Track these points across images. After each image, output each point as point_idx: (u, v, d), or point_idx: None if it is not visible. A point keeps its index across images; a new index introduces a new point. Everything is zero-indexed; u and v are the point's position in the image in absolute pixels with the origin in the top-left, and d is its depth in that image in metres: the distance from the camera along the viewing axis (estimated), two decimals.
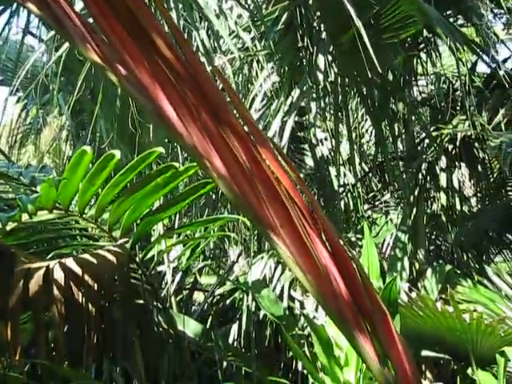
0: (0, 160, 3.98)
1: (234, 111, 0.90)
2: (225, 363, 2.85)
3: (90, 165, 1.98)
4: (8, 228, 1.90)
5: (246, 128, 0.90)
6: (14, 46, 4.31)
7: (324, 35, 2.86)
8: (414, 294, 2.52)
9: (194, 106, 0.90)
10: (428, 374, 3.57)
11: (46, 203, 1.96)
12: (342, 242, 0.93)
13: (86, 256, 2.05)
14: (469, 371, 2.71)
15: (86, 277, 1.98)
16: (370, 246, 2.60)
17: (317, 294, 0.94)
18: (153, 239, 2.71)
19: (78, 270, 1.96)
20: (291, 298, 2.97)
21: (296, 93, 2.84)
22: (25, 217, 1.97)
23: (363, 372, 2.53)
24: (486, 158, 4.64)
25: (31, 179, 3.30)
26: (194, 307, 3.73)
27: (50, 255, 2.33)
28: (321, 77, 2.78)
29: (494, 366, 2.52)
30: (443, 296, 2.98)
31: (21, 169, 3.55)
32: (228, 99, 0.93)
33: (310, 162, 4.21)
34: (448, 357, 2.94)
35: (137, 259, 2.47)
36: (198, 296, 4.08)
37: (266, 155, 0.89)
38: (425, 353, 2.87)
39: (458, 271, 4.13)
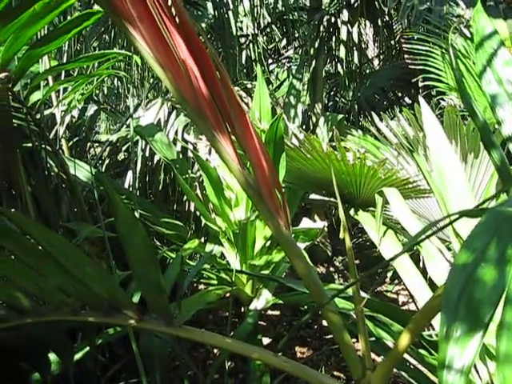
0: None
1: None
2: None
3: None
4: None
5: None
6: None
7: None
8: (302, 136, 2.57)
9: None
10: (316, 217, 3.79)
11: None
12: (202, 40, 0.91)
13: None
14: (351, 212, 2.86)
15: None
16: (262, 90, 2.60)
17: (176, 91, 0.93)
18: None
19: None
20: (185, 141, 2.97)
21: None
22: None
23: (253, 212, 2.63)
24: (389, 17, 4.66)
25: None
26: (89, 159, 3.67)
27: None
28: None
29: (374, 209, 2.68)
30: (333, 143, 3.07)
31: None
32: None
33: (210, 9, 4.06)
34: (334, 200, 3.09)
35: (21, 98, 2.35)
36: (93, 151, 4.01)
37: None
38: (313, 196, 3.00)
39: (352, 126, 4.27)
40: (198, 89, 0.92)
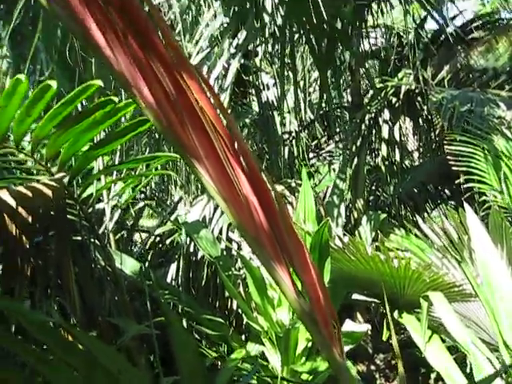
0: None
1: (161, 37, 0.90)
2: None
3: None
4: None
5: (171, 56, 0.90)
6: None
7: None
8: (346, 239, 2.60)
9: (122, 31, 0.89)
10: (359, 317, 3.73)
11: None
12: (263, 175, 0.96)
13: (21, 188, 2.02)
14: (395, 315, 2.83)
15: (21, 209, 1.96)
16: (307, 191, 2.65)
17: (238, 223, 0.97)
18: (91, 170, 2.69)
19: (12, 202, 1.94)
20: (229, 240, 3.02)
21: (242, 35, 2.82)
22: None
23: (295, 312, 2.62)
24: (429, 114, 4.74)
25: None
26: (134, 249, 3.75)
27: None
28: (267, 19, 2.76)
29: (419, 310, 2.65)
30: (376, 244, 3.08)
31: None
32: (154, 24, 0.93)
33: (255, 107, 4.21)
34: (377, 301, 3.06)
35: (75, 195, 2.45)
36: (139, 238, 4.10)
37: (190, 82, 0.89)
38: (356, 296, 2.98)
39: (395, 222, 4.28)
40: (259, 222, 0.96)
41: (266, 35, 2.90)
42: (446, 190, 5.11)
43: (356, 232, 3.58)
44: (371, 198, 4.97)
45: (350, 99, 4.67)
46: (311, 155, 5.03)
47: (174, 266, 3.18)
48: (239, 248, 2.88)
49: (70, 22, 0.93)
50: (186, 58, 0.92)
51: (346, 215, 3.86)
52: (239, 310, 2.96)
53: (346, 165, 3.77)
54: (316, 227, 2.68)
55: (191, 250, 3.10)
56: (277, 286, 1.00)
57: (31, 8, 2.95)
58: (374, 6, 4.09)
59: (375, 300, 3.05)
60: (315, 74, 4.90)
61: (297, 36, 3.60)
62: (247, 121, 4.27)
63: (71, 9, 0.91)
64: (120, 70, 0.92)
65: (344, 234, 2.77)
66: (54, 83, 1.80)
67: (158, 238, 3.55)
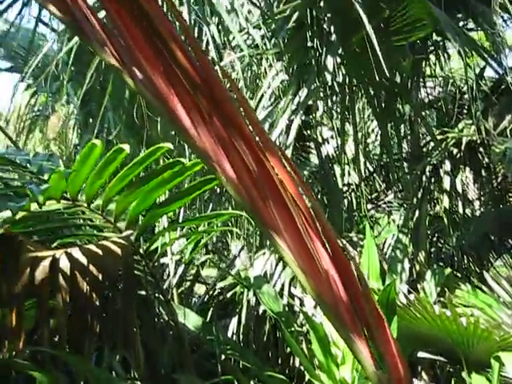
0: (9, 146, 4.03)
1: (242, 114, 0.93)
2: (223, 357, 2.89)
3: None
4: (17, 216, 1.93)
5: (253, 132, 0.93)
6: (25, 33, 4.35)
7: (334, 37, 2.88)
8: (412, 297, 2.55)
9: (207, 111, 0.93)
10: (424, 376, 3.61)
11: (54, 193, 2.00)
12: (342, 247, 0.96)
13: (92, 246, 2.09)
14: (463, 374, 2.74)
15: (91, 267, 2.01)
16: (370, 247, 2.63)
17: (317, 296, 0.97)
18: (157, 231, 2.75)
19: (84, 260, 2.00)
20: (291, 295, 3.01)
21: (304, 92, 2.87)
22: (33, 206, 2.01)
23: (359, 371, 2.57)
24: (491, 163, 4.66)
25: (39, 167, 3.34)
26: (194, 299, 3.78)
27: (55, 244, 2.37)
28: (329, 77, 2.81)
29: (489, 370, 2.56)
30: (441, 299, 3.01)
31: (28, 156, 3.59)
32: (237, 102, 0.96)
33: (314, 159, 4.24)
34: (444, 359, 2.97)
35: (140, 251, 2.50)
36: (199, 288, 4.14)
37: (271, 159, 0.92)
38: (421, 354, 2.91)
39: (458, 274, 4.17)
40: (338, 294, 0.96)
41: (327, 91, 2.94)
42: (510, 240, 4.97)
43: (419, 286, 3.51)
44: (433, 249, 4.87)
45: (408, 149, 4.65)
46: (370, 206, 4.99)
47: (234, 320, 3.18)
48: (301, 304, 2.87)
49: (155, 101, 0.98)
50: (267, 136, 0.95)
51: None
52: (301, 367, 2.92)
53: (407, 218, 3.73)
54: (380, 283, 2.64)
55: (253, 304, 3.10)
56: (355, 357, 1.00)
57: (100, 68, 3.09)
58: (432, 57, 4.11)
59: (441, 358, 2.96)
60: (373, 124, 4.91)
61: (355, 89, 3.64)
62: (306, 173, 4.30)
63: (157, 89, 0.96)
64: (203, 147, 0.95)
65: (409, 291, 2.73)
66: (126, 147, 1.88)
67: (218, 290, 3.57)
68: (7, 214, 1.86)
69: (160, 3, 0.97)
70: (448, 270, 3.33)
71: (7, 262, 1.92)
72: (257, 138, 0.93)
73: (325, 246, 0.95)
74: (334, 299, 0.96)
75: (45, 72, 3.03)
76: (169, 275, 2.89)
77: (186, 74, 0.92)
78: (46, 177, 3.14)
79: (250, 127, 0.93)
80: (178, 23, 1.38)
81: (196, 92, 0.93)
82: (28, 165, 3.27)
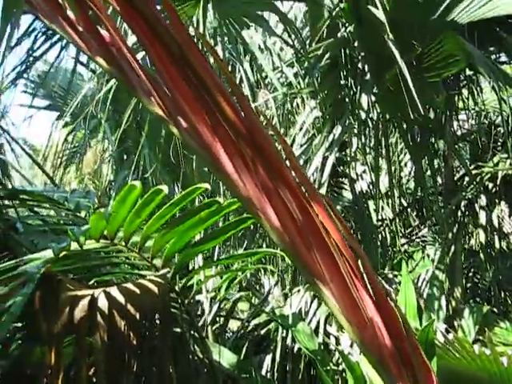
0: (46, 183, 4.12)
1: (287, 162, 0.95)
2: None
3: None
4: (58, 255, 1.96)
5: (297, 180, 0.94)
6: (63, 73, 4.49)
7: (368, 75, 2.90)
8: (450, 336, 2.50)
9: (250, 159, 0.94)
10: None
11: (94, 233, 2.03)
12: (387, 295, 0.96)
13: (130, 285, 2.10)
14: None
15: (129, 305, 2.03)
16: (407, 284, 2.60)
17: (362, 343, 0.96)
18: (192, 269, 2.76)
19: (122, 299, 2.02)
20: (327, 333, 2.97)
21: (338, 129, 2.89)
22: (73, 245, 2.05)
23: None
24: None
25: (76, 204, 3.40)
26: (228, 335, 3.76)
27: (92, 281, 2.40)
28: (363, 115, 2.83)
29: None
30: (480, 338, 2.95)
31: (66, 193, 3.67)
32: (280, 146, 0.98)
33: (347, 194, 4.23)
34: None
35: (176, 288, 2.51)
36: (234, 323, 4.12)
37: (316, 207, 0.92)
38: None
39: (495, 310, 4.08)
40: (383, 342, 0.95)
41: (361, 127, 2.95)
42: None
43: (455, 322, 3.44)
44: (469, 285, 4.78)
45: (442, 183, 4.60)
46: (403, 240, 4.94)
47: (269, 357, 3.15)
48: (337, 342, 2.83)
49: (199, 150, 1.00)
50: (311, 184, 0.96)
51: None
52: None
53: (443, 254, 3.68)
54: (417, 322, 2.60)
55: (287, 341, 3.07)
56: None
57: (137, 107, 3.15)
58: (464, 90, 4.09)
59: None
60: (406, 157, 4.89)
61: (389, 124, 3.65)
62: (339, 208, 4.29)
63: (201, 138, 0.98)
64: (247, 194, 0.96)
65: (447, 330, 2.67)
66: (165, 188, 1.91)
67: (252, 326, 3.55)
68: (49, 253, 1.89)
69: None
70: (486, 308, 3.26)
71: (47, 300, 1.95)
72: (301, 185, 0.94)
73: (369, 293, 0.95)
74: (378, 346, 0.96)
75: (83, 112, 3.11)
76: (203, 312, 2.89)
77: (230, 123, 0.94)
78: (82, 214, 3.21)
79: (294, 174, 0.94)
80: (216, 65, 1.41)
81: (239, 140, 0.95)
82: (65, 202, 3.34)
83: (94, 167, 6.95)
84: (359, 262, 0.94)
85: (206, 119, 0.96)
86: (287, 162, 0.94)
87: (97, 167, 6.53)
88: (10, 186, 3.09)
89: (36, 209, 3.18)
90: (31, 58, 3.08)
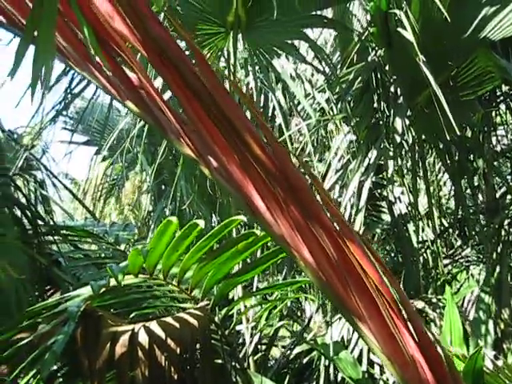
0: (87, 218, 4.20)
1: (320, 202, 0.93)
2: None
3: None
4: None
5: (331, 218, 0.92)
6: (100, 108, 4.59)
7: (401, 99, 2.88)
8: (500, 362, 2.42)
9: (282, 199, 0.94)
10: None
11: (133, 269, 2.05)
12: (427, 331, 0.93)
13: (169, 319, 2.11)
14: None
15: (169, 340, 2.03)
16: (452, 310, 2.54)
17: (403, 381, 0.94)
18: (231, 299, 2.75)
19: (162, 334, 2.02)
20: (370, 362, 2.91)
21: (373, 153, 2.86)
22: (112, 281, 2.07)
23: None
24: None
25: (116, 238, 3.45)
26: (270, 362, 3.72)
27: (132, 315, 2.41)
28: (398, 139, 2.80)
29: None
30: None
31: (106, 227, 3.72)
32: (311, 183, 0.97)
33: (386, 217, 4.17)
34: None
35: (216, 319, 2.51)
36: (275, 351, 4.08)
37: (351, 246, 0.91)
38: None
39: None
40: (425, 379, 0.93)
41: (397, 150, 2.92)
42: None
43: (504, 346, 3.34)
44: None
45: (484, 201, 4.50)
46: (446, 261, 4.83)
47: None
48: (382, 371, 2.77)
49: (232, 189, 1.00)
50: (345, 221, 0.94)
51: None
52: None
53: (488, 275, 3.59)
54: (464, 349, 2.53)
55: (331, 370, 3.02)
56: None
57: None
58: (502, 105, 4.02)
59: None
60: (445, 176, 4.81)
61: (425, 145, 3.60)
62: (378, 231, 4.23)
63: (232, 178, 0.98)
64: (280, 233, 0.96)
65: (496, 357, 2.59)
66: (201, 222, 1.91)
67: (294, 354, 3.50)
68: (88, 290, 1.91)
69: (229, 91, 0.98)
70: None
71: (88, 337, 1.97)
72: (334, 223, 0.92)
73: (410, 331, 0.92)
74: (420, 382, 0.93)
75: (120, 146, 3.16)
76: (244, 343, 2.87)
77: (261, 164, 0.94)
78: (122, 247, 3.24)
79: (327, 212, 0.93)
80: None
81: (270, 180, 0.94)
82: (105, 235, 3.38)
83: (133, 198, 7.06)
84: (398, 301, 0.92)
85: (235, 159, 0.96)
86: (320, 200, 0.93)
87: (136, 199, 6.64)
88: (51, 222, 3.15)
89: (78, 243, 3.25)
90: (69, 96, 3.15)
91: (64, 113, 4.09)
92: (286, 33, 2.78)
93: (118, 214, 7.94)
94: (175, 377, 2.05)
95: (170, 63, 0.94)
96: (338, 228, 0.91)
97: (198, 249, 2.10)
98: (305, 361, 3.38)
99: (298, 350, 3.26)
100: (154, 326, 2.04)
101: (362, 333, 0.94)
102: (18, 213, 2.94)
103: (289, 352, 3.46)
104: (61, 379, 1.98)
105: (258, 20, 2.73)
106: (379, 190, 3.93)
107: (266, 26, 2.75)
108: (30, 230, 2.90)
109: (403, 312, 0.92)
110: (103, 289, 2.03)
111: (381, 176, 3.61)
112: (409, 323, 0.92)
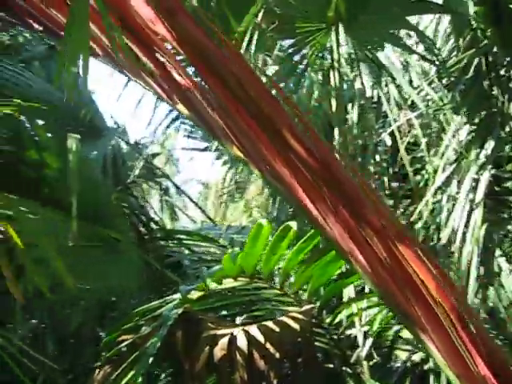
0: (204, 222, 4.31)
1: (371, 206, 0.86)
2: None
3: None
4: (196, 295, 2.01)
5: (384, 225, 0.85)
6: None
7: None
8: None
9: (331, 201, 0.87)
10: None
11: (229, 272, 2.05)
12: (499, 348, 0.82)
13: (269, 323, 2.08)
14: None
15: (268, 345, 2.00)
16: None
17: None
18: (342, 301, 2.67)
19: (261, 338, 2.00)
20: None
21: (490, 145, 2.64)
22: (213, 285, 2.09)
23: None
24: None
25: (230, 241, 3.50)
26: (392, 367, 3.56)
27: (242, 317, 2.42)
28: None
29: None
30: None
31: (221, 230, 3.79)
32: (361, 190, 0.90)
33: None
34: None
35: (324, 323, 2.44)
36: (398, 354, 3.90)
37: (406, 253, 0.82)
38: None
39: None
40: None
41: None
42: None
43: None
44: None
45: None
46: None
47: None
48: None
49: (283, 190, 0.95)
50: (401, 226, 0.86)
51: None
52: None
53: None
54: None
55: None
56: None
57: None
58: None
59: None
60: None
61: None
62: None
63: (282, 180, 0.93)
64: (333, 236, 0.89)
65: None
66: (294, 224, 1.87)
67: (416, 359, 3.33)
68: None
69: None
70: None
71: (187, 340, 1.99)
72: (386, 228, 0.85)
73: (475, 343, 0.82)
74: None
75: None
76: (358, 347, 2.77)
77: (308, 167, 0.88)
78: (237, 249, 3.26)
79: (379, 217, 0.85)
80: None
81: (319, 183, 0.88)
82: (221, 239, 3.45)
83: (259, 200, 7.14)
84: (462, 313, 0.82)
85: (282, 161, 0.91)
86: (371, 204, 0.86)
87: (261, 199, 6.71)
88: (168, 227, 3.26)
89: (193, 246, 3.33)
90: None
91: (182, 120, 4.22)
92: (388, 23, 2.65)
93: (247, 216, 8.09)
94: (275, 382, 2.02)
95: (215, 72, 0.92)
96: (390, 232, 0.83)
97: (297, 251, 2.06)
98: (427, 367, 3.21)
99: (420, 354, 3.09)
100: (253, 329, 2.02)
101: (428, 347, 0.85)
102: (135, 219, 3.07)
103: (411, 356, 3.29)
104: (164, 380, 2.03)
105: (359, 13, 2.63)
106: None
107: (369, 19, 2.64)
108: (145, 235, 3.02)
109: (469, 325, 0.82)
110: (201, 292, 2.05)
111: (503, 169, 3.31)
112: (476, 338, 0.82)
